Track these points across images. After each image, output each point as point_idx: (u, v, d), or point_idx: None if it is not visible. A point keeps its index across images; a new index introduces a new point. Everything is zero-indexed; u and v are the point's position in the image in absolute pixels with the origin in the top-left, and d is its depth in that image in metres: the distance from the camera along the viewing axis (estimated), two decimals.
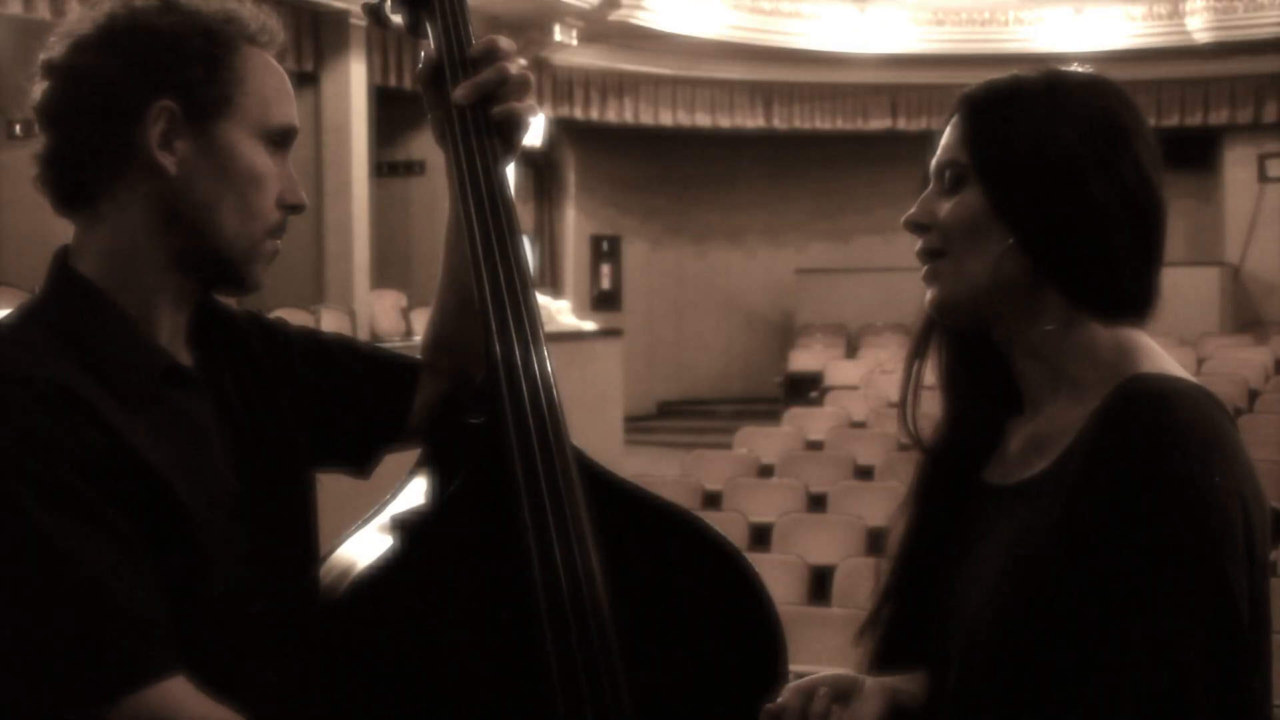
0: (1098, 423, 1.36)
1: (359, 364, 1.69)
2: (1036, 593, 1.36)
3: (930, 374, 1.57)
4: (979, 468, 1.52)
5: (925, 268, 1.49)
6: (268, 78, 1.46)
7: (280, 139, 1.47)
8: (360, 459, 1.69)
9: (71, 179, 1.41)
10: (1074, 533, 1.34)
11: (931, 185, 1.49)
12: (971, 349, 1.53)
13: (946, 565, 1.50)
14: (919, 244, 1.49)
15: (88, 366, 1.34)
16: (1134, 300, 1.43)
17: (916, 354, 1.56)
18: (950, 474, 1.54)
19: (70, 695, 1.24)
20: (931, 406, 1.57)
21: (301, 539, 1.53)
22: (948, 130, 1.49)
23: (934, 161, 1.49)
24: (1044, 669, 1.35)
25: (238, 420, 1.48)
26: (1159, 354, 1.42)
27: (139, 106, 1.38)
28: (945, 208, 1.46)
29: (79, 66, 1.39)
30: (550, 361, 1.61)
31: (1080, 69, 1.51)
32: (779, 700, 1.48)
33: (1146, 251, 1.43)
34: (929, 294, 1.49)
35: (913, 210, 1.49)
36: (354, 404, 1.66)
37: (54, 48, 1.41)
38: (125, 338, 1.39)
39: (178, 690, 1.28)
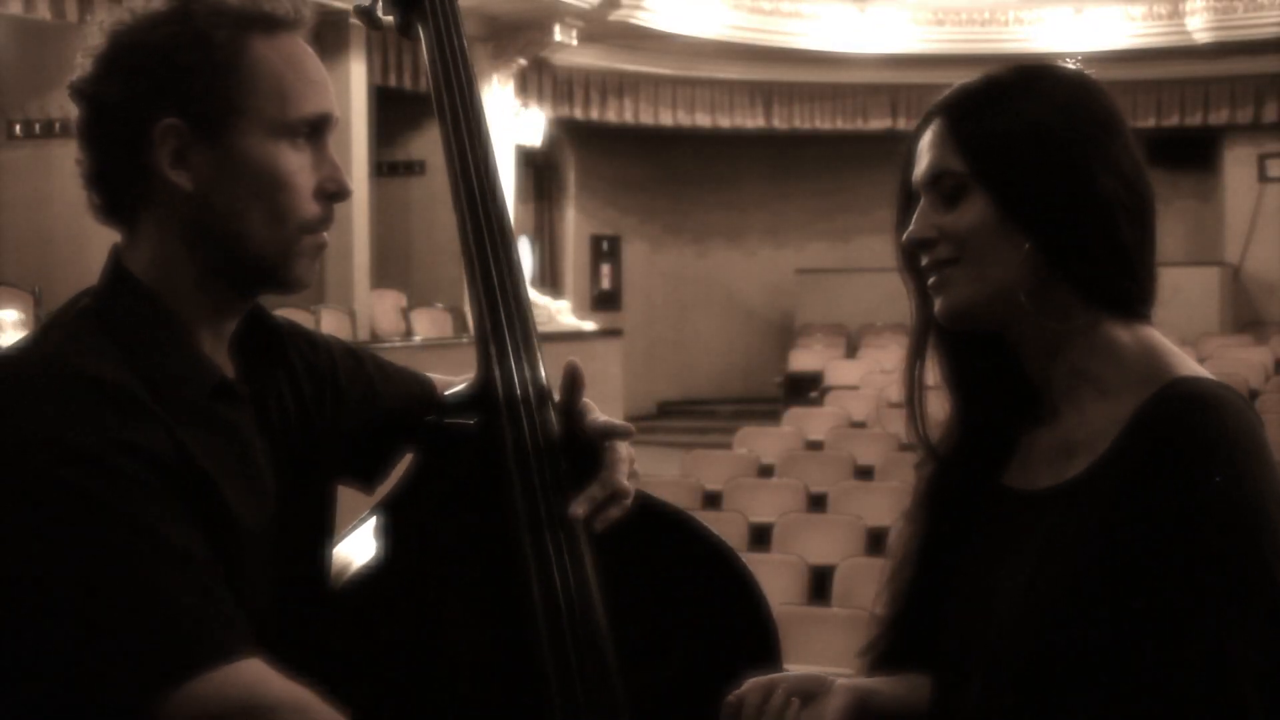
0: (1139, 428, 1.34)
1: (393, 387, 1.68)
2: (1073, 598, 1.33)
3: (930, 376, 1.52)
4: (992, 473, 1.49)
5: (933, 277, 1.43)
6: (285, 70, 1.39)
7: (309, 130, 1.40)
8: (375, 475, 1.69)
9: (106, 197, 1.41)
10: (1118, 539, 1.31)
11: (925, 199, 1.43)
12: (975, 353, 1.49)
13: (963, 574, 1.47)
14: (924, 259, 1.44)
15: (143, 377, 1.34)
16: (1144, 292, 1.41)
17: (915, 359, 1.51)
18: (963, 480, 1.50)
19: (155, 669, 1.24)
20: (934, 408, 1.53)
21: (318, 550, 1.53)
22: (927, 140, 1.45)
23: (920, 174, 1.44)
24: (1080, 679, 1.33)
25: (275, 433, 1.47)
26: (1184, 355, 1.40)
27: (143, 129, 1.35)
28: (949, 219, 1.41)
29: (86, 91, 1.38)
30: (544, 369, 1.62)
31: (1048, 62, 1.47)
32: (739, 691, 1.46)
33: (1148, 241, 1.41)
34: (939, 302, 1.43)
35: (912, 228, 1.43)
36: (387, 424, 1.65)
37: (78, 67, 1.39)
38: (178, 349, 1.38)
39: (258, 667, 1.29)
